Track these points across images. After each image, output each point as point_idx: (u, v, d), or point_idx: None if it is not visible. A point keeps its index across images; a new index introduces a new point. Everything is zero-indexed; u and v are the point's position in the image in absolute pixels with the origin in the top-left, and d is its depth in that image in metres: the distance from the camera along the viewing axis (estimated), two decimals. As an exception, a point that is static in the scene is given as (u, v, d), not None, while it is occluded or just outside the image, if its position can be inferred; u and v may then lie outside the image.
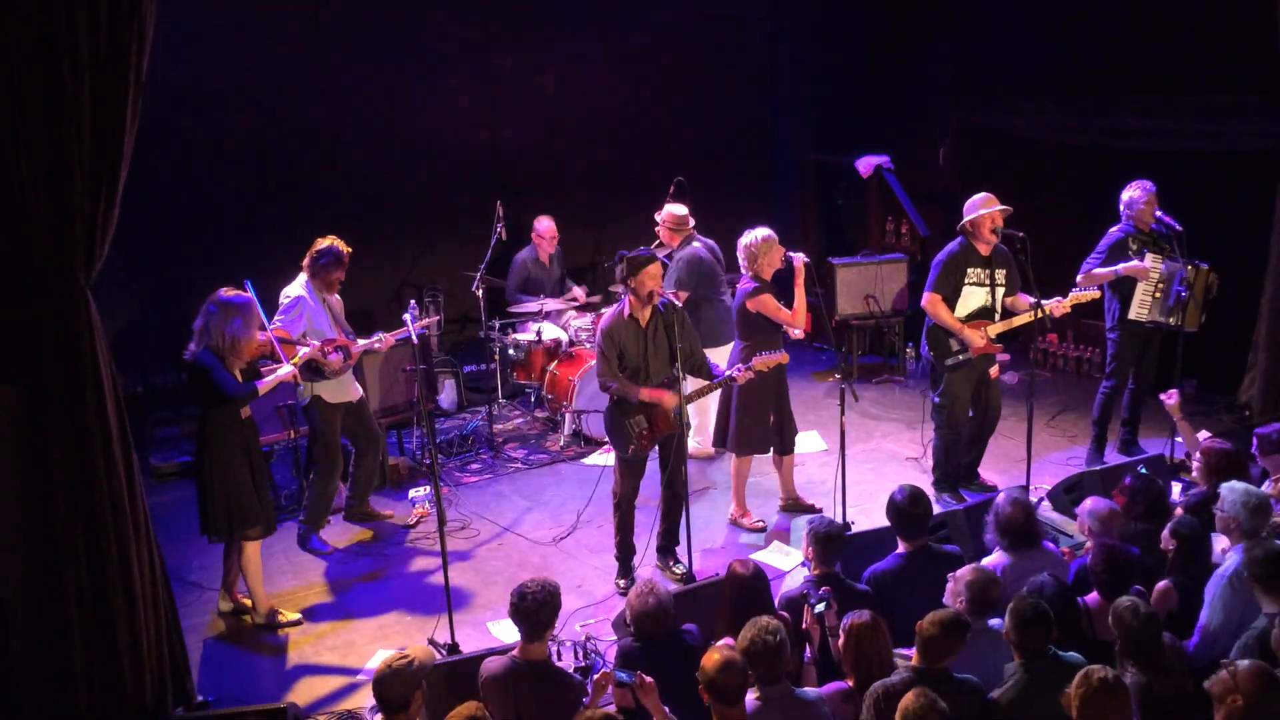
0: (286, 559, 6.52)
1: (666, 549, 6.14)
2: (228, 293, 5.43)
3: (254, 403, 6.59)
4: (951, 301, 6.48)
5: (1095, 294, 6.66)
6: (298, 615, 5.82)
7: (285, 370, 5.65)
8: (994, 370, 6.70)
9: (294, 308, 6.21)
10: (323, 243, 6.33)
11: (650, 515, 6.40)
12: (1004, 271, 6.51)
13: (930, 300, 6.48)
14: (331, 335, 6.30)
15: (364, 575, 6.31)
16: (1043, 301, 6.33)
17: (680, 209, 7.43)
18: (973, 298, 6.49)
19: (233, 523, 5.47)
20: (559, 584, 4.33)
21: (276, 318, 6.13)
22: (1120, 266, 6.75)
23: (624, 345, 5.74)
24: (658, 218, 7.48)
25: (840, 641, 4.19)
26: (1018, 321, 6.55)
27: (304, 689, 5.20)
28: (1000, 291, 6.52)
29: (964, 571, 4.36)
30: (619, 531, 6.04)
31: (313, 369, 6.14)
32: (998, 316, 6.54)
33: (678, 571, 6.01)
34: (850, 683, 4.10)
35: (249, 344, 5.47)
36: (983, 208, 6.38)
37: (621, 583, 6.00)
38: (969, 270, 6.44)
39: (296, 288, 6.29)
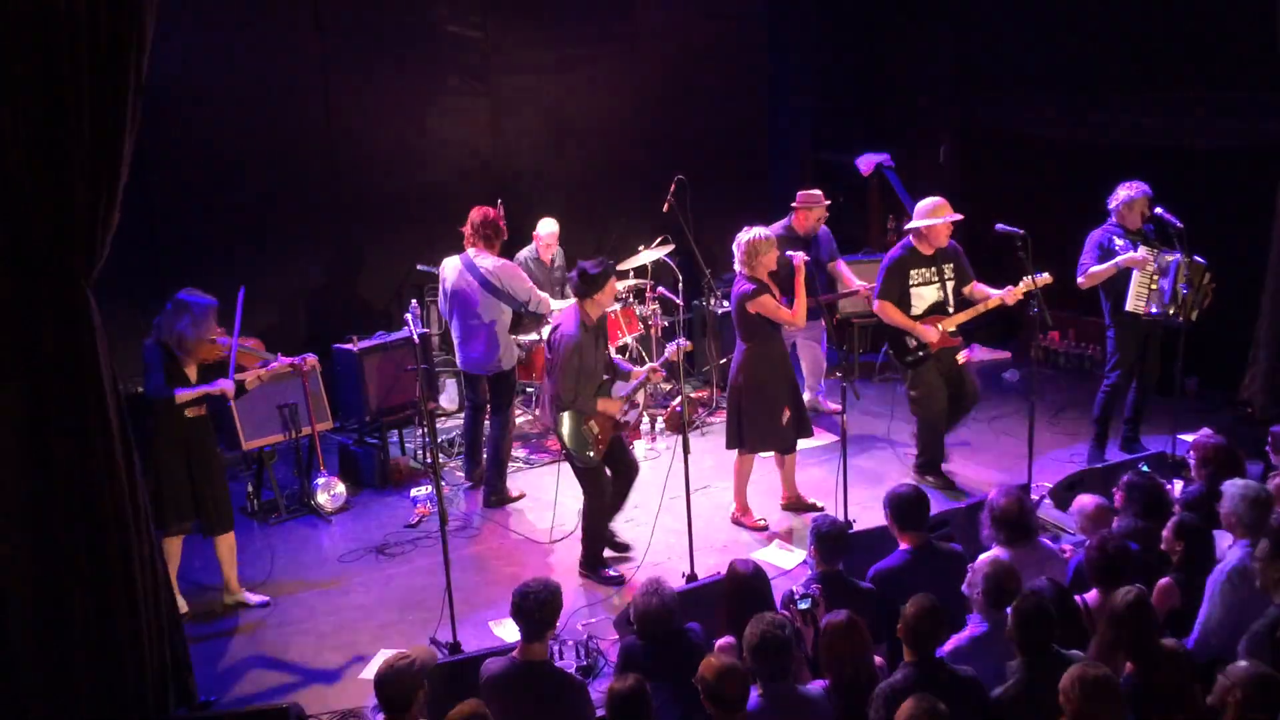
0: (289, 558, 6.52)
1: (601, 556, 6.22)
2: (190, 292, 5.50)
3: (253, 402, 6.67)
4: (903, 303, 6.69)
5: (1047, 279, 6.64)
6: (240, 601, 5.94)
7: (219, 384, 5.58)
8: (962, 356, 6.85)
9: (520, 271, 6.88)
10: (484, 214, 6.81)
11: (649, 515, 6.42)
12: (951, 265, 6.75)
13: (880, 306, 6.75)
14: None
15: (365, 575, 6.31)
16: (994, 293, 6.64)
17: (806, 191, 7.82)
18: (924, 296, 6.71)
19: (163, 514, 5.45)
20: (560, 584, 4.34)
21: (520, 287, 6.70)
22: (1119, 259, 6.74)
23: (586, 356, 5.83)
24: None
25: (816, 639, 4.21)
26: (973, 312, 6.76)
27: (306, 689, 5.20)
28: (951, 285, 6.76)
29: (981, 562, 4.37)
30: (598, 536, 6.12)
31: (533, 318, 6.71)
32: (952, 309, 6.76)
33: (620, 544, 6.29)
34: (827, 681, 4.10)
35: (197, 345, 5.52)
36: (932, 216, 6.58)
37: (615, 583, 6.05)
38: (912, 271, 6.67)
39: (498, 258, 6.80)
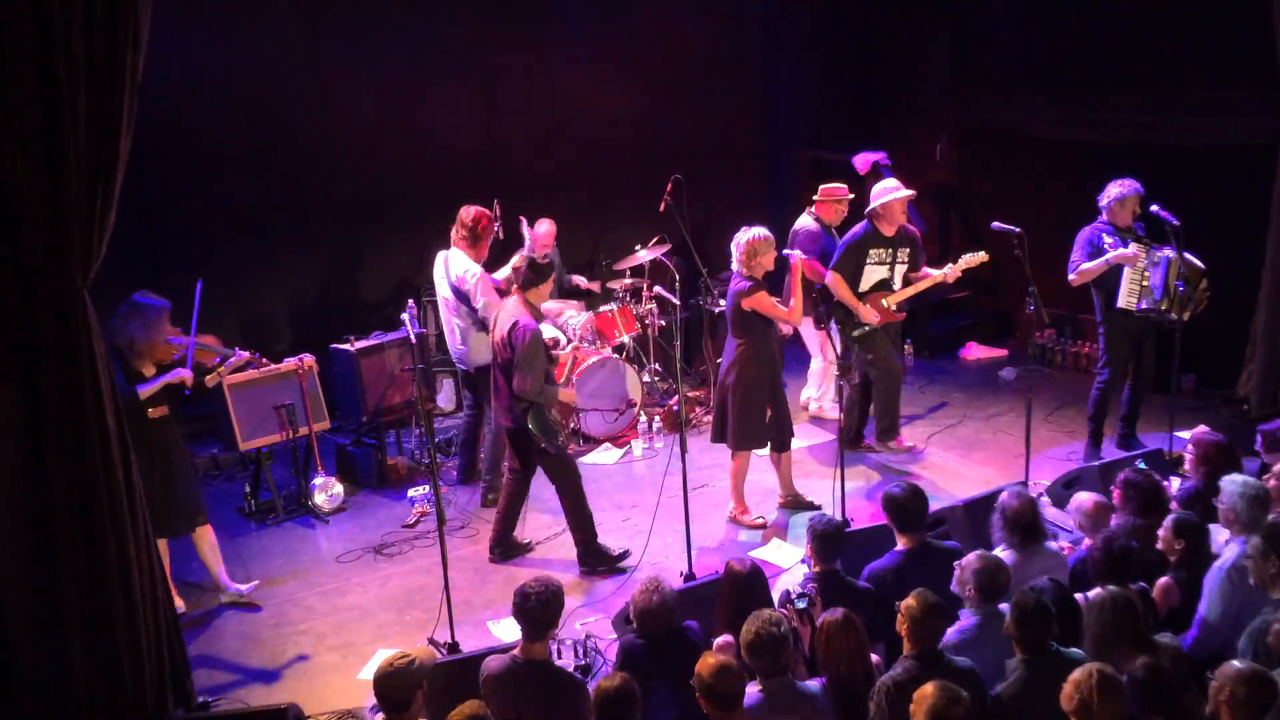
0: (286, 560, 6.52)
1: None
2: (144, 295, 5.50)
3: (250, 403, 6.66)
4: (854, 279, 7.03)
5: (983, 257, 7.06)
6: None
7: (177, 372, 5.61)
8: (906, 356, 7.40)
9: (485, 281, 6.75)
10: (473, 215, 6.78)
11: (647, 514, 6.42)
12: (907, 250, 7.12)
13: (832, 279, 7.08)
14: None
15: (363, 575, 6.31)
16: (934, 272, 7.09)
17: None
18: (873, 275, 7.09)
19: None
20: (561, 583, 4.34)
21: (478, 297, 6.65)
22: (1110, 255, 6.75)
23: (542, 345, 5.94)
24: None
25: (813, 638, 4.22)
26: (914, 289, 7.15)
27: (304, 689, 5.20)
28: (901, 269, 7.12)
29: (970, 559, 4.37)
30: (588, 525, 6.18)
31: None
32: (898, 286, 7.12)
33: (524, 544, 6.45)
34: (823, 679, 4.11)
35: (150, 347, 5.50)
36: (891, 193, 6.96)
37: (622, 558, 6.16)
38: (871, 251, 7.04)
39: (471, 262, 6.75)
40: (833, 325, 6.98)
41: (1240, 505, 4.62)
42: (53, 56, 3.93)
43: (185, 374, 5.63)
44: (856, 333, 7.13)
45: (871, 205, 7.06)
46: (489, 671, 4.23)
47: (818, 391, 8.29)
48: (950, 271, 7.07)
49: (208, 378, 5.92)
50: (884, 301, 7.06)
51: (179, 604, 5.56)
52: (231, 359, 6.04)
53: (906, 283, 7.17)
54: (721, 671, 3.69)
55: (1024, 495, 4.89)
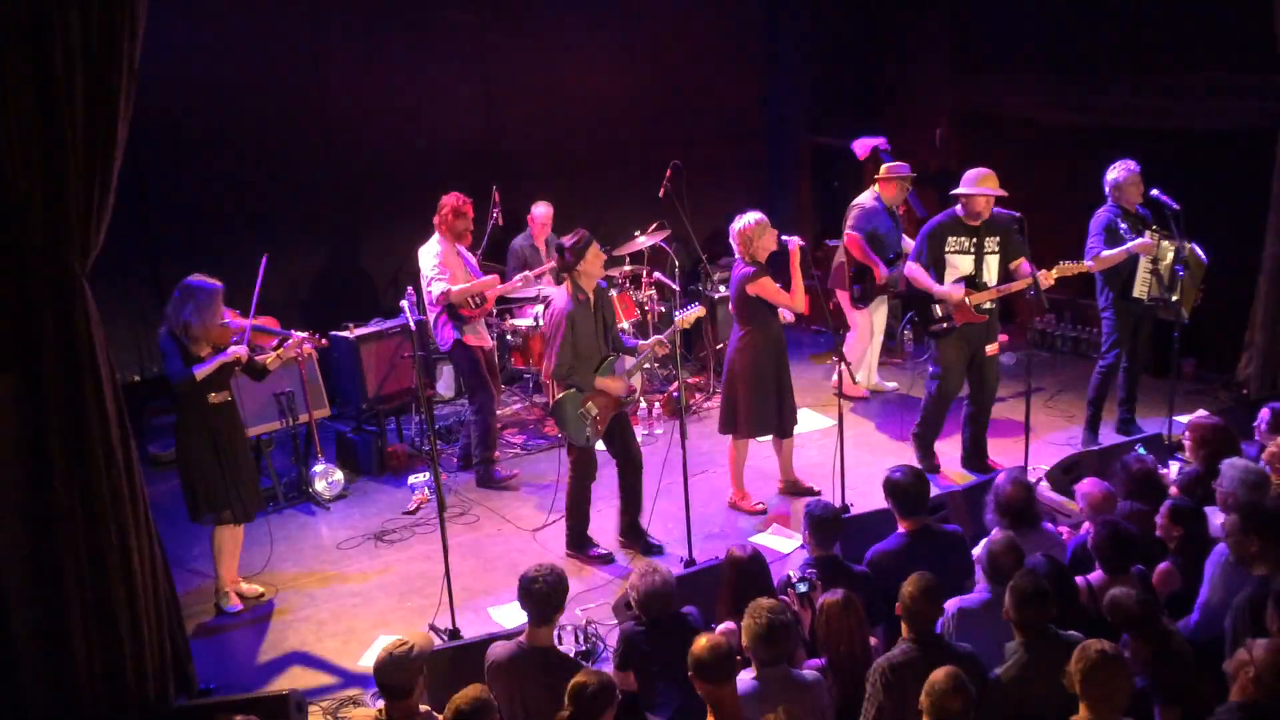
0: (288, 545, 6.53)
1: (635, 523, 6.22)
2: (196, 278, 5.46)
3: (250, 390, 6.66)
4: (936, 269, 6.58)
5: (1084, 267, 6.63)
6: (260, 590, 5.97)
7: (232, 350, 5.57)
8: (992, 348, 6.72)
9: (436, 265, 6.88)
10: (446, 201, 6.96)
11: (647, 501, 6.41)
12: (997, 239, 6.54)
13: (909, 269, 6.70)
14: (479, 277, 7.08)
15: (364, 562, 6.32)
16: (1035, 273, 6.39)
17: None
18: (958, 266, 6.56)
19: (200, 506, 5.52)
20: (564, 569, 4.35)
21: (423, 267, 6.84)
22: (1130, 245, 6.73)
23: (581, 330, 5.81)
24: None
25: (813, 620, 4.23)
26: (998, 291, 6.54)
27: (305, 676, 5.22)
28: (993, 260, 6.55)
29: (994, 535, 4.43)
30: (582, 515, 6.15)
31: (458, 317, 6.87)
32: (993, 283, 6.55)
33: (655, 545, 6.16)
34: (823, 660, 4.11)
35: (205, 331, 5.44)
36: (976, 186, 6.44)
37: (604, 560, 6.14)
38: (950, 239, 6.54)
39: (435, 247, 6.92)
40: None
41: (1241, 491, 4.63)
42: (49, 42, 3.91)
43: (241, 351, 5.59)
44: (934, 328, 6.64)
45: (957, 190, 6.51)
46: (495, 658, 4.24)
47: (862, 370, 8.30)
48: (1044, 276, 6.38)
49: (268, 360, 5.86)
50: (966, 299, 6.47)
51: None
52: (289, 340, 6.02)
53: (1005, 277, 6.57)
54: (713, 647, 3.69)
55: (1020, 481, 4.90)
